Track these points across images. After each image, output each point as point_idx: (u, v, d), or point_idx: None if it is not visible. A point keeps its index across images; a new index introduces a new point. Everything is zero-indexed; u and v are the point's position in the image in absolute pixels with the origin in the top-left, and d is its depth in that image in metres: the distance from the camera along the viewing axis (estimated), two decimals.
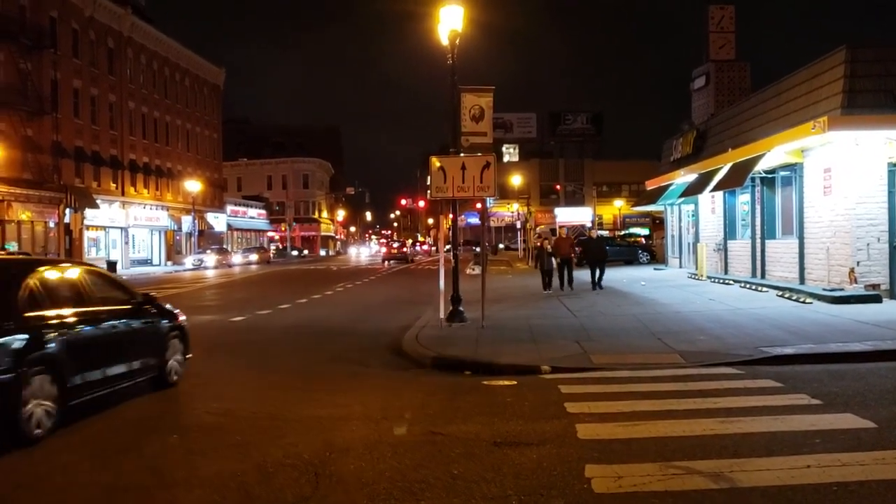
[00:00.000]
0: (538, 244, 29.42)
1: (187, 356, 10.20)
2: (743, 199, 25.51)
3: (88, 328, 7.95)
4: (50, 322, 7.38)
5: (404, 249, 66.74)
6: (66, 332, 7.50)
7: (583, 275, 24.35)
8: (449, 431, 7.08)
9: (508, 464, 6.05)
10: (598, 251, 23.89)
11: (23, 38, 40.85)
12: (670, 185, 31.63)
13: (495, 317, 15.68)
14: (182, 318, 10.33)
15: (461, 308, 15.60)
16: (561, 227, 26.06)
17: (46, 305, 7.52)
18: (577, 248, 25.15)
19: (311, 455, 6.40)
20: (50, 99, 43.64)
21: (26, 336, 6.99)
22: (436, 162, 14.79)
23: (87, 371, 7.75)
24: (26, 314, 7.22)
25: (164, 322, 9.85)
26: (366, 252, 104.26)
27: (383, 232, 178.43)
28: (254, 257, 63.12)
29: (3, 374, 6.60)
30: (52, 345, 7.25)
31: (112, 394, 8.36)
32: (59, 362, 7.27)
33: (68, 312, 7.71)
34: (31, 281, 7.59)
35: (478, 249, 55.55)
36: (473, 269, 37.02)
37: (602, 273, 23.16)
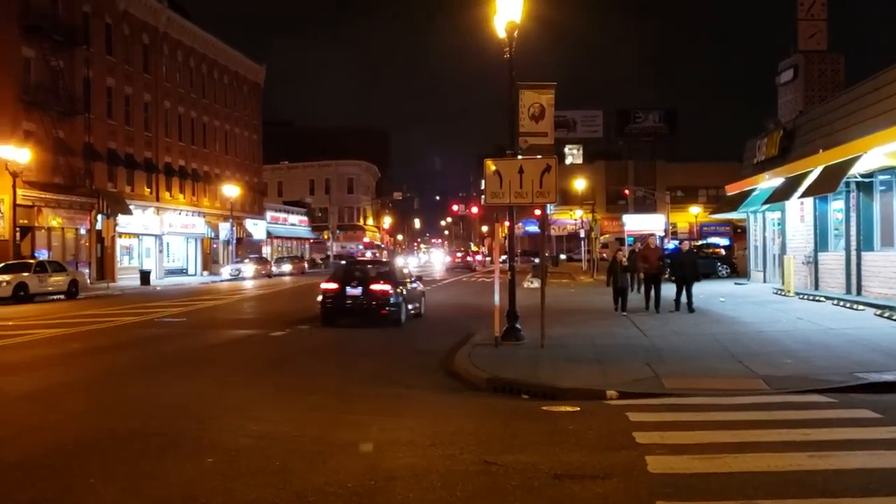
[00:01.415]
0: (602, 254, 28.92)
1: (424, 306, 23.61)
2: (836, 206, 24.99)
3: (407, 287, 21.37)
4: (402, 284, 21.08)
5: (468, 259, 73.26)
6: (405, 287, 21.21)
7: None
8: (504, 461, 7.07)
9: (570, 499, 6.01)
10: (691, 266, 22.01)
11: (55, 35, 42.16)
12: (753, 190, 31.14)
13: (556, 335, 15.61)
14: (423, 288, 24.78)
15: (518, 325, 15.58)
16: (650, 234, 25.53)
17: (399, 278, 21.35)
18: (665, 262, 23.21)
19: (355, 483, 6.47)
20: (82, 99, 44.96)
21: (401, 288, 20.69)
22: (491, 165, 14.80)
23: (408, 304, 21.10)
24: (397, 280, 20.92)
25: (420, 287, 23.88)
26: (414, 262, 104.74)
27: (433, 240, 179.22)
28: (287, 268, 63.12)
29: (399, 300, 20.25)
30: (405, 291, 20.97)
31: (412, 316, 21.40)
32: (405, 298, 20.74)
33: (404, 281, 21.54)
34: (396, 268, 22.98)
35: (536, 260, 55.34)
36: (531, 283, 36.93)
37: (690, 292, 21.32)
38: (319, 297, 20.74)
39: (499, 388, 11.09)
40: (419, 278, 24.53)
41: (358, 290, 20.24)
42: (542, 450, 7.46)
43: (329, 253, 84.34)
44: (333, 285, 20.68)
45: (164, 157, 55.34)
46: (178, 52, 57.76)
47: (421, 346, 16.44)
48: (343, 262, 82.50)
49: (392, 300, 20.06)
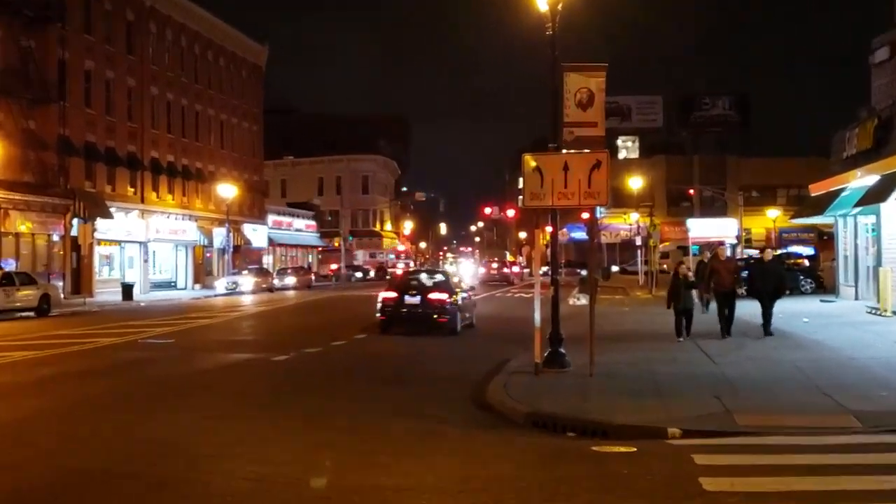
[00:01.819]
0: (661, 265, 28.62)
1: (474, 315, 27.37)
2: None
3: (460, 297, 25.56)
4: (457, 294, 25.33)
5: (504, 270, 73.24)
6: (458, 297, 25.24)
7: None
8: None
9: None
10: (776, 279, 21.34)
11: (25, 10, 42.63)
12: (843, 189, 30.86)
13: (607, 362, 15.57)
14: (475, 297, 29.57)
15: (562, 350, 15.56)
16: (719, 244, 25.26)
17: (454, 287, 25.72)
18: (741, 276, 22.43)
19: None
20: (56, 84, 45.40)
21: (455, 297, 24.88)
22: (530, 161, 14.85)
23: (462, 313, 25.37)
24: (453, 290, 25.30)
25: (472, 297, 28.31)
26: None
27: (461, 249, 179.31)
28: (291, 280, 63.57)
29: (455, 309, 24.59)
30: (459, 301, 25.18)
31: (465, 326, 25.40)
32: (458, 308, 24.84)
33: (457, 290, 25.81)
34: (451, 279, 27.40)
35: (584, 273, 54.96)
36: (578, 299, 36.89)
37: (770, 311, 20.85)
38: (378, 305, 25.10)
39: (540, 423, 11.09)
40: (472, 288, 30.78)
41: (416, 299, 24.51)
42: (593, 498, 7.44)
43: (342, 264, 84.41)
44: (392, 294, 25.17)
45: (151, 152, 55.88)
46: (167, 29, 58.40)
47: (447, 370, 16.47)
48: (357, 273, 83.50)
49: (448, 308, 24.33)
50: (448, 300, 24.37)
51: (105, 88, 51.15)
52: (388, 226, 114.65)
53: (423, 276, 27.22)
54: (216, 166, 64.47)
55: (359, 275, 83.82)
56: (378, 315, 24.84)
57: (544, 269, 17.64)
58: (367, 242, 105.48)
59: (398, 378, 15.92)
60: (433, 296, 24.36)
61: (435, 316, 24.02)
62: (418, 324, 24.08)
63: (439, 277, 26.69)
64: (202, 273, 62.65)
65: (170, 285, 58.64)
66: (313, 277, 71.44)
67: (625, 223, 68.59)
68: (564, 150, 15.16)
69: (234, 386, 15.45)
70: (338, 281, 78.00)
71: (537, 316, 15.18)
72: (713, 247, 26.10)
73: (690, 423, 10.50)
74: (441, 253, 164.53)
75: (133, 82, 54.12)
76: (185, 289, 59.14)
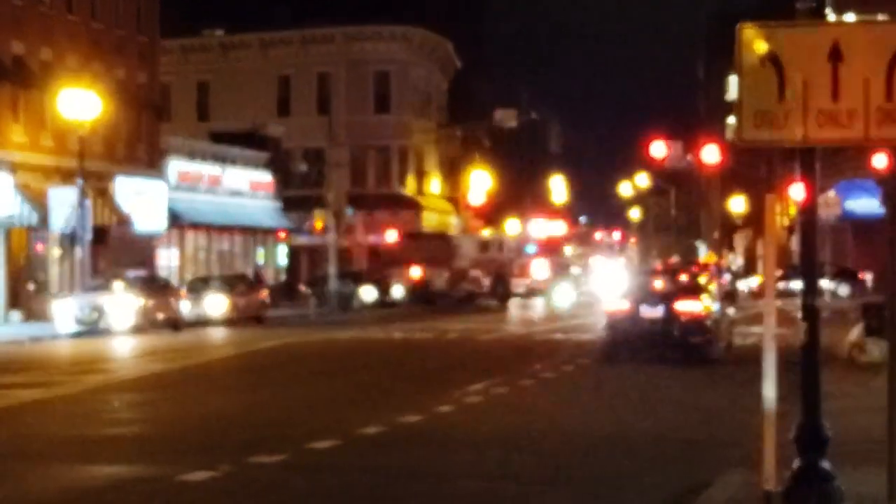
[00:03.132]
0: None
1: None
2: None
3: (716, 306, 34.55)
4: (710, 301, 35.99)
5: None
6: (714, 306, 34.70)
7: None
8: None
9: None
10: None
11: None
12: None
13: None
14: (733, 311, 43.40)
15: (825, 465, 13.38)
16: None
17: (705, 291, 37.20)
18: None
19: None
20: None
21: (713, 308, 34.77)
22: (757, 39, 12.96)
23: (719, 331, 35.35)
24: (708, 298, 36.04)
25: (728, 308, 39.05)
26: (565, 291, 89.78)
27: (599, 234, 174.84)
28: (216, 303, 58.42)
29: (711, 323, 32.71)
30: (715, 313, 34.23)
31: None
32: (716, 323, 33.80)
33: (709, 295, 36.76)
34: (700, 277, 41.18)
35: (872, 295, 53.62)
36: (863, 351, 34.63)
37: None
38: (604, 321, 31.02)
39: None
40: (730, 295, 38.41)
41: (658, 311, 29.70)
42: None
43: (328, 268, 76.49)
44: (623, 305, 30.74)
45: None
46: None
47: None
48: (365, 291, 75.35)
49: (705, 324, 29.56)
50: (703, 312, 30.06)
51: None
52: (436, 184, 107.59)
53: (663, 277, 34.22)
54: (56, 52, 61.79)
55: (367, 295, 76.89)
56: (604, 334, 31.54)
57: (784, 284, 14.84)
58: (386, 217, 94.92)
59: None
60: (683, 305, 30.01)
61: (677, 333, 29.53)
62: (658, 347, 29.65)
63: (685, 277, 33.40)
64: (24, 287, 60.22)
65: None
66: (267, 295, 66.36)
67: None
68: (833, 17, 13.40)
69: None
70: (321, 307, 71.86)
71: (768, 389, 13.62)
72: None
73: None
74: (556, 240, 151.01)
75: None
76: None
